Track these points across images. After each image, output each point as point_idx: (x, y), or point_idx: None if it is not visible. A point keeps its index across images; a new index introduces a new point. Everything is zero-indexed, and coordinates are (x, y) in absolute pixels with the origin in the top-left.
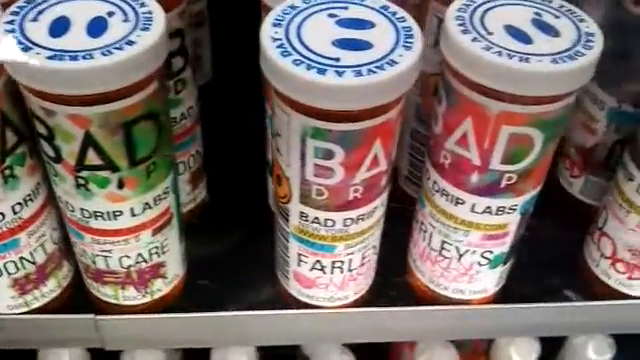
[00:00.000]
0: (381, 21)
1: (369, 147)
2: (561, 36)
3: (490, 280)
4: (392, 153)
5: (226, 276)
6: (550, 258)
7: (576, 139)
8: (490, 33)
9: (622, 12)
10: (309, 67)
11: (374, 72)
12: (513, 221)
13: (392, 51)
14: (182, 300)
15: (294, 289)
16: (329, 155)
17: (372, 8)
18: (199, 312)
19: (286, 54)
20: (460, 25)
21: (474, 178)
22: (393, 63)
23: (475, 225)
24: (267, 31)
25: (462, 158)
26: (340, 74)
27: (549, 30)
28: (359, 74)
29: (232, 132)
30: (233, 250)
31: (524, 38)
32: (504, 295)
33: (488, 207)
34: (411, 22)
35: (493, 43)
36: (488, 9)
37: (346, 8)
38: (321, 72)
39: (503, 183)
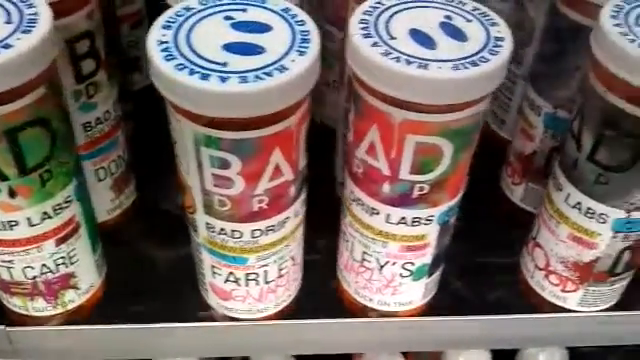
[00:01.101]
0: (279, 24)
1: (268, 156)
2: (468, 41)
3: (415, 292)
4: (299, 162)
5: (150, 286)
6: (491, 267)
7: (516, 145)
8: (393, 37)
9: (557, 16)
10: (192, 72)
11: (261, 78)
12: (432, 232)
13: (284, 56)
14: (102, 311)
15: (213, 301)
16: (225, 165)
17: (272, 11)
18: (116, 324)
19: (170, 58)
20: (363, 29)
21: (386, 188)
22: (283, 69)
23: (392, 236)
24: (155, 34)
25: (372, 168)
26: (224, 80)
27: (457, 34)
28: (244, 80)
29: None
30: (160, 259)
31: (428, 43)
32: (440, 305)
33: (403, 218)
34: (310, 26)
35: (394, 48)
36: (396, 12)
37: (245, 10)
38: (204, 78)
39: (415, 193)
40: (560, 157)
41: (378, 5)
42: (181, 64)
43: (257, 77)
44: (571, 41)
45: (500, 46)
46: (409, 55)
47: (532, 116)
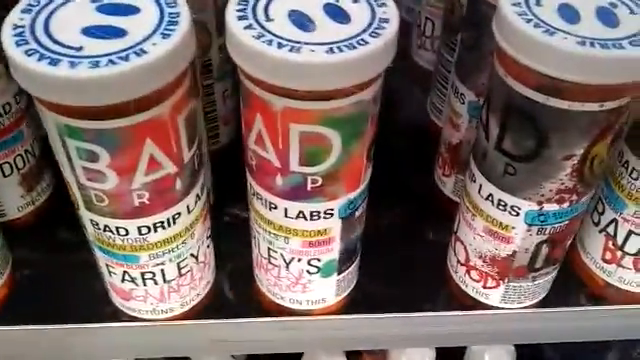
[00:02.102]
0: (148, 6)
1: (139, 148)
2: (351, 22)
3: (327, 289)
4: (183, 154)
5: (60, 285)
6: (420, 262)
7: (445, 136)
8: (270, 19)
9: (479, 2)
10: (42, 58)
11: (115, 63)
12: (334, 226)
13: (146, 39)
14: (7, 310)
15: (117, 301)
16: (93, 157)
17: None
18: (20, 325)
19: (22, 43)
20: (239, 10)
21: (279, 181)
22: (141, 53)
23: (293, 231)
24: (11, 17)
25: (264, 159)
26: (74, 65)
27: (340, 16)
28: (96, 65)
29: None
30: (73, 257)
31: (307, 25)
32: (361, 302)
33: (301, 212)
34: (181, 8)
35: (268, 31)
36: None
37: None
38: (53, 63)
39: (309, 186)
40: (473, 147)
41: None
42: (32, 49)
43: (111, 61)
44: (487, 26)
45: (383, 28)
46: (283, 38)
47: (457, 105)
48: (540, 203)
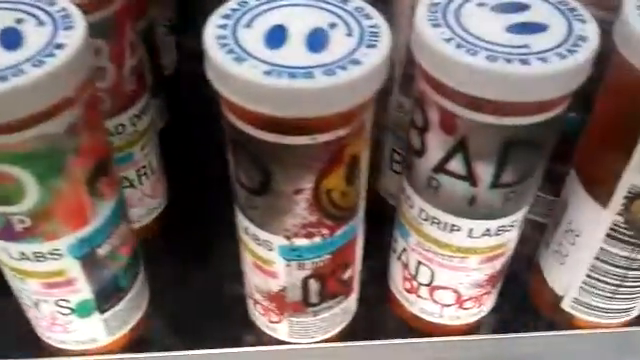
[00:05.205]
0: None
1: None
2: (22, 47)
3: (93, 329)
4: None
5: None
6: (217, 295)
7: None
8: None
9: None
10: None
11: None
12: (70, 267)
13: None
14: None
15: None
16: None
17: None
18: None
19: None
20: None
21: None
22: None
23: (24, 272)
24: None
25: None
26: None
27: (14, 41)
28: None
29: None
30: None
31: None
32: (156, 339)
33: (22, 253)
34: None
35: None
36: None
37: None
38: None
39: (17, 227)
40: None
41: None
42: None
43: None
44: None
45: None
46: None
47: None
48: (288, 238)
